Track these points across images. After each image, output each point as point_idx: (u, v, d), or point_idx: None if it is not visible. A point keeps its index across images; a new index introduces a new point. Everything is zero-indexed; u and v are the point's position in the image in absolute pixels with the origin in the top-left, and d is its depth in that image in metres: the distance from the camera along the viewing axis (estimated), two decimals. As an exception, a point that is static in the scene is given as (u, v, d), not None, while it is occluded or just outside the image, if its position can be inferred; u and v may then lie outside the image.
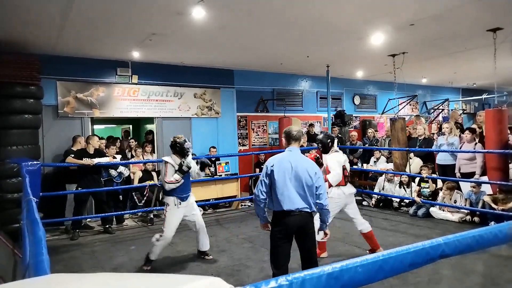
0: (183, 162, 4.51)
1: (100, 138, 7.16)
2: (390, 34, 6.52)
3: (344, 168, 4.60)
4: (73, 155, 6.25)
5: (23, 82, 6.06)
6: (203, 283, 0.70)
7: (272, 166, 3.17)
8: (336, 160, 4.56)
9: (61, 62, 7.18)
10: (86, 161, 6.14)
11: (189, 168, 4.53)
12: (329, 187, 4.52)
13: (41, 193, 5.00)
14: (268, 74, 9.90)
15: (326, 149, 4.66)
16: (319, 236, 3.56)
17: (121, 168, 6.80)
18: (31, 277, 1.09)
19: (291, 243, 3.22)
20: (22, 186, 5.45)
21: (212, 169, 8.08)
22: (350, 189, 4.72)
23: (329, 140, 4.63)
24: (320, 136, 4.73)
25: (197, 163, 4.86)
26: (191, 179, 4.80)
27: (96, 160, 6.22)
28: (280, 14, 5.32)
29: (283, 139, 3.40)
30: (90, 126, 7.74)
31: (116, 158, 6.91)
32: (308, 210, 3.15)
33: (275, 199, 3.15)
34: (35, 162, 4.79)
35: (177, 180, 4.46)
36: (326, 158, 4.63)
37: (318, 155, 4.78)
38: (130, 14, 5.14)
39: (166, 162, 4.57)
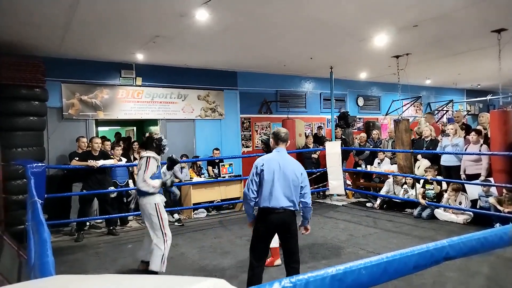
0: (168, 181, 4.33)
1: (106, 140, 7.19)
2: (393, 35, 6.51)
3: None
4: (77, 158, 6.29)
5: (28, 84, 6.10)
6: (207, 285, 0.70)
7: (262, 165, 3.34)
8: None
9: (65, 64, 7.23)
10: (90, 163, 6.17)
11: (172, 182, 4.38)
12: None
13: (45, 195, 5.03)
14: (272, 76, 9.91)
15: (269, 148, 4.39)
16: (276, 242, 3.70)
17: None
18: (37, 278, 1.10)
19: (272, 239, 3.48)
20: (27, 187, 5.49)
21: (216, 170, 8.09)
22: None
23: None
24: (264, 138, 4.41)
25: (168, 159, 4.67)
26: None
27: (101, 162, 6.24)
28: (283, 16, 5.33)
29: (272, 140, 3.55)
30: (95, 128, 7.78)
31: (122, 160, 6.94)
32: (292, 208, 3.34)
33: (262, 197, 3.33)
34: (40, 164, 4.81)
35: (154, 187, 4.17)
36: None
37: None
38: (134, 17, 5.16)
39: (149, 157, 4.20)
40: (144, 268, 4.42)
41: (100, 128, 9.23)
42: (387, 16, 5.55)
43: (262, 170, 3.32)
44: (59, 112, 7.25)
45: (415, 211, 6.89)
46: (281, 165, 3.33)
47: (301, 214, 3.52)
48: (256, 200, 3.37)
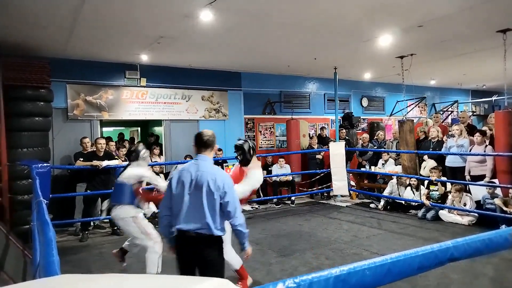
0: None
1: (111, 140, 7.23)
2: (398, 36, 6.49)
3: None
4: (82, 159, 6.33)
5: (34, 85, 6.15)
6: (211, 284, 0.71)
7: (171, 178, 2.74)
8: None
9: (70, 65, 7.28)
10: (95, 163, 6.20)
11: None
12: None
13: (50, 195, 5.07)
14: (276, 77, 9.91)
15: (246, 160, 3.68)
16: (237, 263, 3.28)
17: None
18: (42, 277, 1.11)
19: (193, 271, 2.70)
20: (32, 188, 5.53)
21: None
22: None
23: (251, 150, 3.70)
24: (240, 142, 3.74)
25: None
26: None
27: (105, 163, 6.27)
28: (288, 16, 5.33)
29: (194, 145, 2.88)
30: (99, 128, 7.83)
31: (126, 161, 6.96)
32: (205, 232, 2.59)
33: (173, 216, 2.68)
34: (45, 164, 4.85)
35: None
36: (255, 172, 3.75)
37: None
38: (139, 18, 5.19)
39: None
40: (118, 255, 4.36)
41: (104, 129, 9.29)
42: (391, 17, 5.54)
43: (171, 183, 2.71)
44: (64, 113, 7.29)
45: (420, 213, 6.86)
46: (194, 175, 2.64)
47: (237, 239, 2.86)
48: (169, 218, 2.73)
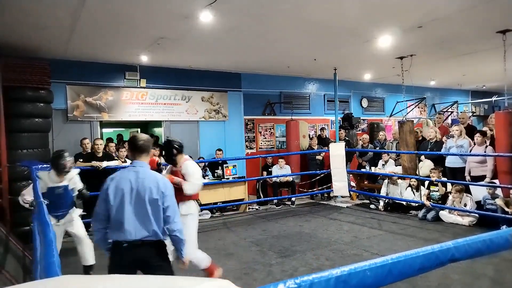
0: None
1: (111, 142, 7.23)
2: (398, 37, 6.50)
3: None
4: (81, 160, 6.33)
5: (34, 86, 6.16)
6: (213, 285, 0.71)
7: (107, 188, 2.58)
8: (198, 167, 3.94)
9: (70, 66, 7.28)
10: (94, 163, 6.20)
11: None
12: (184, 201, 3.79)
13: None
14: (275, 77, 9.92)
15: (171, 159, 3.85)
16: (206, 263, 3.25)
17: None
18: (43, 278, 1.10)
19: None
20: (32, 189, 5.51)
21: (220, 172, 8.10)
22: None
23: (175, 150, 3.86)
24: (164, 142, 3.74)
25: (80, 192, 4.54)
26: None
27: (105, 164, 6.27)
28: (287, 17, 5.34)
29: (128, 152, 2.84)
30: (99, 129, 7.83)
31: (126, 161, 6.97)
32: (152, 239, 2.57)
33: (111, 227, 2.58)
34: (45, 166, 4.84)
35: (27, 201, 4.15)
36: (187, 164, 3.86)
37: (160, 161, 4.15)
38: (139, 18, 5.19)
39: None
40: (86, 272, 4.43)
41: (104, 130, 9.28)
42: (391, 17, 5.54)
43: (107, 194, 2.56)
44: (64, 114, 7.30)
45: (420, 213, 6.86)
46: (134, 184, 2.56)
47: (173, 245, 2.78)
48: (104, 231, 2.64)
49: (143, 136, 2.75)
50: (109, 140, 7.63)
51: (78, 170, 4.65)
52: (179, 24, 5.41)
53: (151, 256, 2.60)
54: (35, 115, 6.21)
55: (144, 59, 7.47)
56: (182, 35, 5.96)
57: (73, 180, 4.47)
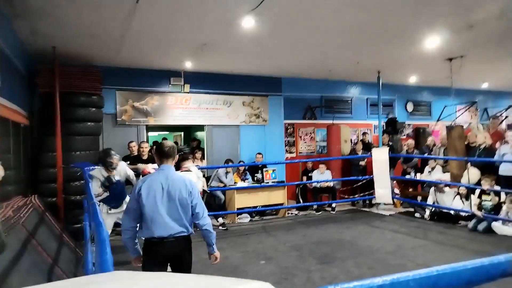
0: (110, 177, 4.50)
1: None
2: (446, 37, 6.22)
3: None
4: (128, 162, 6.62)
5: (87, 92, 6.57)
6: (253, 286, 0.73)
7: (139, 189, 2.78)
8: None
9: (120, 73, 7.68)
10: (140, 166, 6.46)
11: (111, 183, 4.47)
12: None
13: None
14: (316, 81, 9.83)
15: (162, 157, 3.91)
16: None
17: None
18: (97, 273, 1.18)
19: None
20: (84, 189, 5.86)
21: (259, 176, 8.15)
22: None
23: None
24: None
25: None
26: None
27: (150, 166, 6.50)
28: (329, 21, 5.29)
29: (155, 157, 3.05)
30: (145, 133, 8.17)
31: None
32: (184, 234, 2.82)
33: (145, 226, 2.79)
34: (96, 167, 5.12)
35: (99, 194, 4.43)
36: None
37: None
38: (183, 26, 5.38)
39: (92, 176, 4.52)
40: None
41: (150, 133, 9.66)
42: (439, 17, 5.32)
43: (140, 195, 2.74)
44: (113, 118, 7.70)
45: (470, 224, 6.47)
46: (165, 185, 2.78)
47: (205, 241, 3.01)
48: (135, 230, 2.85)
49: (169, 143, 3.02)
50: (155, 144, 7.95)
51: (125, 163, 4.96)
52: (222, 30, 5.54)
53: (182, 250, 2.85)
54: (87, 119, 6.61)
55: (188, 65, 7.71)
56: (224, 40, 6.09)
57: (124, 173, 4.77)
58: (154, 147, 4.79)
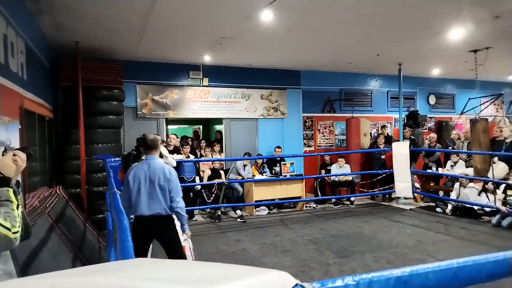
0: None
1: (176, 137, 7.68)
2: (471, 28, 6.02)
3: None
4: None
5: (108, 86, 6.71)
6: (272, 275, 0.74)
7: (128, 175, 3.40)
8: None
9: (140, 67, 7.79)
10: (165, 158, 6.58)
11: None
12: None
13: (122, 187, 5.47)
14: (336, 74, 9.72)
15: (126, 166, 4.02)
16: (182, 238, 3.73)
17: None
18: (118, 260, 1.22)
19: (148, 245, 3.53)
20: (106, 180, 6.02)
21: (278, 169, 8.15)
22: None
23: (131, 157, 4.14)
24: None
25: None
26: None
27: (171, 157, 6.62)
28: (349, 11, 5.21)
29: (141, 149, 3.59)
30: (165, 126, 8.29)
31: (190, 157, 7.32)
32: (162, 213, 3.39)
33: (132, 206, 3.40)
34: (117, 159, 5.25)
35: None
36: None
37: None
38: (202, 20, 5.40)
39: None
40: None
41: (169, 126, 9.79)
42: (463, 8, 5.15)
43: (128, 181, 3.39)
44: (134, 111, 7.84)
45: (494, 219, 6.31)
46: (147, 172, 3.37)
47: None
48: (127, 210, 3.37)
49: (151, 136, 3.50)
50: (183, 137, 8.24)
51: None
52: (240, 24, 5.54)
53: (161, 226, 3.43)
54: (109, 112, 6.76)
55: (207, 58, 7.75)
56: (243, 34, 6.08)
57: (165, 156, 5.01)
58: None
